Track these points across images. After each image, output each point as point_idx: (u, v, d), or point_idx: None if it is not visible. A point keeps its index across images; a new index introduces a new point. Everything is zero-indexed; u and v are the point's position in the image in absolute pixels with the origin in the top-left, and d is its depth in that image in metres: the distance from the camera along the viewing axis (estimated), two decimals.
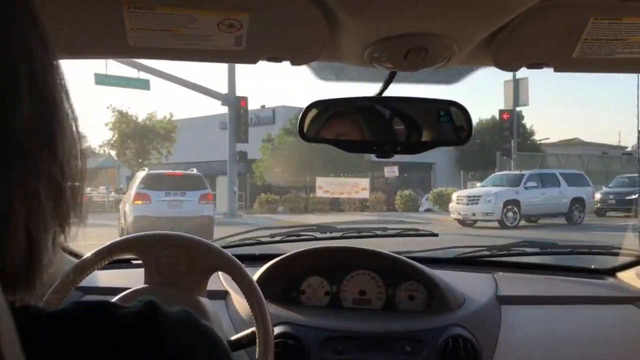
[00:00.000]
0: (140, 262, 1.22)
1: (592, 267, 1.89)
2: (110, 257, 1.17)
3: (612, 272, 1.81)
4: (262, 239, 1.96)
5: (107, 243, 1.19)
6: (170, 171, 14.23)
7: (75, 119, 0.41)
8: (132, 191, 12.64)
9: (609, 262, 1.85)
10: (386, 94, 1.15)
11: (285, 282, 1.62)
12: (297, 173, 21.60)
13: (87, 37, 0.93)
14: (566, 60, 0.95)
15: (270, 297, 1.30)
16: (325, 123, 1.18)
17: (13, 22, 0.37)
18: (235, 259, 1.18)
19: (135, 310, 0.42)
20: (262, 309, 1.15)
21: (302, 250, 1.68)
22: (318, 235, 1.94)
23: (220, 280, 1.61)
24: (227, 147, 17.41)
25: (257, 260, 1.73)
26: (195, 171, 13.85)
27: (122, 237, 1.24)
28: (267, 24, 0.88)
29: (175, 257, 1.18)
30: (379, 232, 1.98)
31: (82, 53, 1.02)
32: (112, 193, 23.26)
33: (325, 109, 1.20)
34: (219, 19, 0.85)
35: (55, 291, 1.07)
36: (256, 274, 1.58)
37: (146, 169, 14.64)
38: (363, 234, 1.95)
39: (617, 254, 1.88)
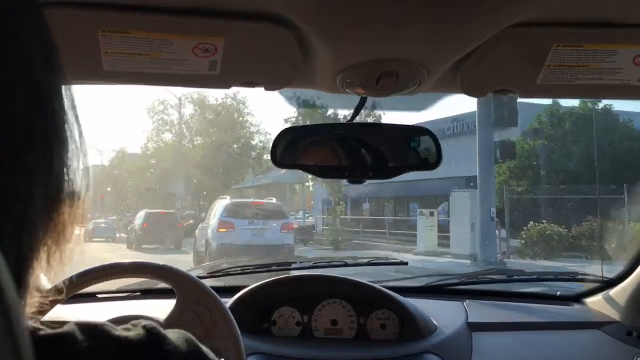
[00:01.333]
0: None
1: (558, 294, 1.93)
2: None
3: (578, 298, 1.85)
4: (231, 271, 1.93)
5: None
6: (254, 200, 14.85)
7: (80, 132, 0.40)
8: (215, 219, 12.79)
9: (576, 288, 1.89)
10: (358, 120, 1.17)
11: (256, 312, 1.60)
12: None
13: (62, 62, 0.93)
14: (531, 86, 0.98)
15: (242, 328, 1.28)
16: (298, 150, 1.19)
17: (17, 31, 0.36)
18: (210, 289, 1.17)
19: (139, 338, 0.40)
20: (237, 340, 1.13)
21: (273, 279, 1.66)
22: (288, 266, 1.93)
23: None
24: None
25: (227, 291, 1.71)
26: (274, 201, 14.26)
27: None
28: (241, 49, 0.89)
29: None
30: (349, 262, 1.98)
31: None
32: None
33: (298, 136, 1.21)
34: (194, 43, 0.86)
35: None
36: (227, 305, 1.55)
37: (228, 197, 14.97)
38: (334, 263, 1.95)
39: (582, 281, 1.92)
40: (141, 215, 19.77)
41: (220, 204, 13.57)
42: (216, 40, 0.85)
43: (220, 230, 12.25)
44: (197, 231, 14.41)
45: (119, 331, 0.40)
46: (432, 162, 1.16)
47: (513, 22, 0.80)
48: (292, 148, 1.19)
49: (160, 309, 1.66)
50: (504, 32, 0.81)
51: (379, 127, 1.19)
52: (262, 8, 0.79)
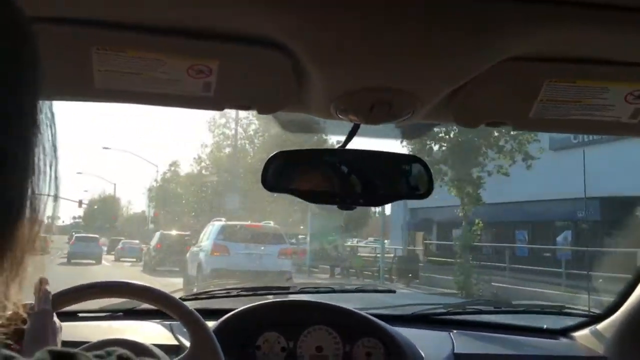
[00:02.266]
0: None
1: (545, 327, 1.92)
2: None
3: (564, 332, 1.84)
4: (217, 294, 1.91)
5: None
6: (249, 223, 13.61)
7: (55, 164, 0.39)
8: (208, 242, 11.97)
9: (562, 321, 1.88)
10: (349, 146, 1.16)
11: (240, 337, 1.57)
12: None
13: (53, 79, 0.92)
14: (523, 120, 0.99)
15: (225, 353, 1.25)
16: (289, 173, 1.18)
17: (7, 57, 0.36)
18: (194, 311, 1.15)
19: None
20: (216, 355, 1.11)
21: (258, 303, 1.64)
22: (274, 290, 1.91)
23: (173, 333, 1.56)
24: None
25: (211, 314, 1.68)
26: (272, 224, 13.36)
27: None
28: (236, 72, 0.89)
29: None
30: (336, 288, 1.96)
31: (47, 94, 1.00)
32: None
33: (289, 160, 1.20)
34: (188, 64, 0.86)
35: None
36: (210, 327, 1.53)
37: (223, 219, 13.95)
38: (320, 289, 1.93)
39: (569, 314, 1.91)
40: (156, 235, 19.46)
41: (215, 226, 12.77)
42: (211, 62, 0.85)
43: (214, 253, 11.49)
44: (187, 254, 13.59)
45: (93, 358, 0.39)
46: (422, 190, 1.16)
47: (506, 57, 0.81)
48: (283, 172, 1.18)
49: (143, 329, 1.64)
50: (497, 65, 0.82)
51: (371, 154, 1.19)
52: (257, 32, 0.79)
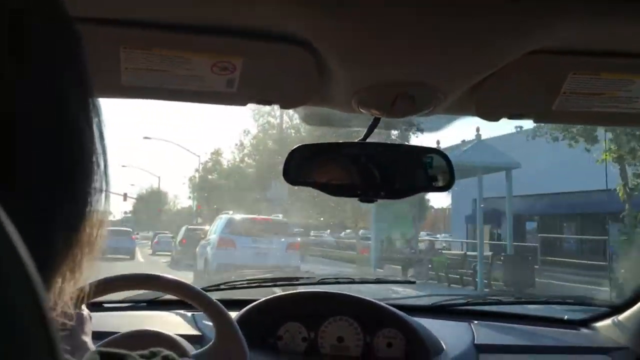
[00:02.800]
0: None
1: (566, 317, 1.91)
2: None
3: (585, 322, 1.84)
4: (238, 284, 1.93)
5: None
6: (257, 216, 13.25)
7: (105, 160, 0.39)
8: (214, 236, 11.73)
9: (583, 312, 1.88)
10: (370, 139, 1.17)
11: (262, 327, 1.59)
12: None
13: None
14: (546, 112, 0.99)
15: (247, 343, 1.28)
16: (310, 167, 1.19)
17: (53, 54, 0.36)
18: (214, 300, 1.17)
19: None
20: (242, 351, 1.13)
21: (279, 295, 1.66)
22: (294, 281, 1.93)
23: (196, 323, 1.58)
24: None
25: (233, 305, 1.71)
26: (281, 217, 13.12)
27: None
28: (259, 68, 0.90)
29: None
30: (356, 279, 1.97)
31: None
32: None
33: (311, 153, 1.21)
34: (213, 61, 0.87)
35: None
36: (234, 317, 1.55)
37: (230, 211, 13.76)
38: (340, 280, 1.95)
39: (590, 305, 1.90)
40: (182, 230, 19.28)
41: (222, 219, 12.56)
42: (235, 59, 0.86)
43: (220, 247, 11.25)
44: (197, 248, 13.33)
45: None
46: (444, 183, 1.16)
47: (530, 49, 0.81)
48: (304, 165, 1.19)
49: (166, 320, 1.67)
50: (521, 58, 0.82)
51: (392, 146, 1.19)
52: (280, 29, 0.80)
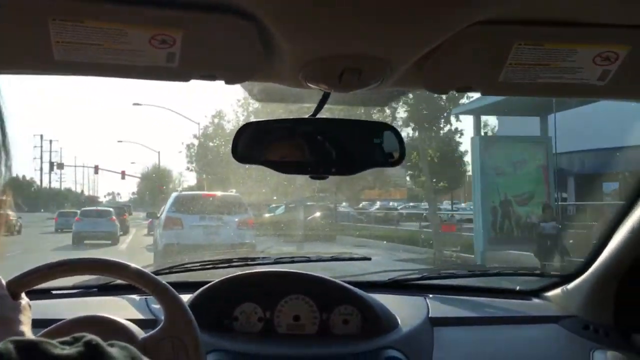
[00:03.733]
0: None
1: (518, 288, 1.95)
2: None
3: (536, 293, 1.88)
4: (192, 267, 1.90)
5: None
6: (206, 192, 12.57)
7: (3, 136, 0.36)
8: (163, 215, 11.00)
9: (534, 283, 1.92)
10: (320, 115, 1.15)
11: (217, 309, 1.57)
12: None
13: (11, 51, 0.88)
14: (492, 84, 0.99)
15: (202, 325, 1.25)
16: (259, 144, 1.17)
17: None
18: (162, 282, 1.14)
19: (78, 356, 0.38)
20: (195, 337, 1.11)
21: (234, 275, 1.64)
22: (250, 261, 1.91)
23: (149, 307, 1.55)
24: None
25: (186, 287, 1.68)
26: (234, 192, 12.33)
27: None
28: (201, 41, 0.87)
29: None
30: (312, 257, 1.96)
31: (5, 68, 0.96)
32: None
33: (259, 130, 1.19)
34: (151, 34, 0.83)
35: None
36: (186, 301, 1.53)
37: (179, 188, 12.98)
38: (296, 259, 1.94)
39: (541, 275, 1.95)
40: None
41: (171, 197, 11.82)
42: (174, 32, 0.82)
43: (166, 227, 10.49)
44: (154, 230, 12.61)
45: (58, 348, 0.38)
46: (395, 158, 1.15)
47: (475, 20, 0.80)
48: (253, 142, 1.17)
49: (118, 305, 1.63)
50: (466, 30, 0.81)
51: (342, 122, 1.18)
52: None
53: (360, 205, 22.60)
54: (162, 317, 1.50)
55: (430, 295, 1.78)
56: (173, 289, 1.14)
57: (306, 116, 1.17)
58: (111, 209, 20.36)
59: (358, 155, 1.17)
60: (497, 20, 0.82)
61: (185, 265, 1.85)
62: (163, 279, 1.23)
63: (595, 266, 1.67)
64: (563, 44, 0.87)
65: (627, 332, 1.62)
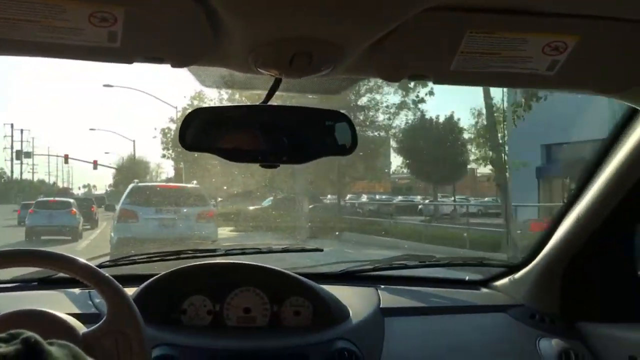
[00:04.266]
0: None
1: (467, 278, 1.98)
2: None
3: (485, 282, 1.91)
4: (138, 259, 1.85)
5: None
6: (163, 184, 11.89)
7: None
8: (118, 207, 10.44)
9: (483, 273, 1.95)
10: (272, 102, 1.13)
11: (164, 302, 1.53)
12: None
13: None
14: (444, 73, 0.98)
15: (148, 319, 1.21)
16: (208, 131, 1.13)
17: None
18: (107, 275, 1.09)
19: (15, 353, 0.35)
20: (140, 331, 1.07)
21: (182, 267, 1.60)
22: (199, 253, 1.86)
23: (92, 302, 1.50)
24: None
25: (132, 280, 1.62)
26: (195, 183, 11.57)
27: None
28: (144, 20, 0.83)
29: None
30: (263, 249, 1.94)
31: None
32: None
33: (208, 117, 1.15)
34: (90, 11, 0.78)
35: None
36: (132, 294, 1.48)
37: (136, 180, 12.07)
38: (247, 250, 1.90)
39: (489, 265, 1.98)
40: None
41: (128, 188, 11.19)
42: (115, 9, 0.78)
43: (121, 219, 10.05)
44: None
45: None
46: (347, 146, 1.14)
47: (427, 6, 0.79)
48: (202, 130, 1.13)
49: (59, 299, 1.56)
50: (419, 16, 0.80)
51: (294, 109, 1.15)
52: None
53: (347, 197, 21.14)
54: (105, 312, 1.45)
55: (382, 286, 1.79)
56: (116, 282, 1.10)
57: (258, 103, 1.14)
58: (71, 200, 17.86)
59: (310, 143, 1.15)
60: (449, 7, 0.81)
61: (131, 258, 1.79)
62: (107, 272, 1.18)
63: (540, 256, 1.71)
64: (514, 32, 0.87)
65: (571, 320, 1.66)
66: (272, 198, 18.51)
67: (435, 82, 1.03)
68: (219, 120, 1.15)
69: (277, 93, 1.09)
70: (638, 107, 1.21)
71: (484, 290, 1.88)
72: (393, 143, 20.17)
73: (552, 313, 1.68)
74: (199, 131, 1.13)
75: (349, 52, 0.90)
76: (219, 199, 16.03)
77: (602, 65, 0.98)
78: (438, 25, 0.86)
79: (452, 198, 22.57)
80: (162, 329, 1.44)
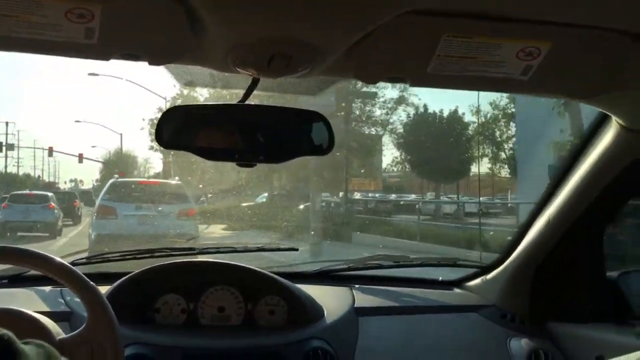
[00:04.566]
0: None
1: (440, 279, 2.01)
2: None
3: (457, 283, 1.94)
4: (111, 257, 1.83)
5: None
6: (144, 180, 11.61)
7: None
8: (97, 202, 10.29)
9: (456, 273, 1.98)
10: (249, 101, 1.13)
11: (137, 300, 1.52)
12: None
13: None
14: (421, 76, 0.99)
15: (122, 317, 1.20)
16: (185, 130, 1.13)
17: None
18: (82, 275, 1.08)
19: None
20: (113, 329, 1.06)
21: (156, 265, 1.59)
22: (173, 252, 1.85)
23: (64, 300, 1.48)
24: None
25: (106, 279, 1.61)
26: (177, 180, 11.29)
27: None
28: (122, 17, 0.82)
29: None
30: (238, 248, 1.93)
31: None
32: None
33: (186, 115, 1.15)
34: (67, 7, 0.78)
35: None
36: (104, 292, 1.46)
37: (116, 175, 11.77)
38: (221, 249, 1.90)
39: (462, 266, 2.01)
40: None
41: (108, 183, 11.04)
42: (92, 6, 0.78)
43: (99, 216, 9.88)
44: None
45: None
46: (324, 146, 1.15)
47: (405, 9, 0.80)
48: (179, 128, 1.13)
49: (30, 297, 1.54)
50: (397, 19, 0.81)
51: (271, 109, 1.15)
52: None
53: (340, 195, 19.91)
54: (79, 310, 1.43)
55: (357, 286, 1.80)
56: (89, 280, 1.08)
57: (235, 102, 1.14)
58: (49, 193, 16.40)
59: (287, 143, 1.16)
60: (426, 11, 0.82)
61: (105, 256, 1.78)
62: (80, 270, 1.17)
63: (512, 258, 1.74)
64: (489, 37, 0.89)
65: (541, 320, 1.69)
66: (266, 194, 17.74)
67: (412, 85, 1.04)
68: (196, 118, 1.14)
69: (255, 92, 1.09)
70: (607, 112, 1.24)
71: (457, 290, 1.91)
72: (391, 139, 19.86)
73: (522, 313, 1.71)
74: (176, 129, 1.13)
75: (328, 54, 0.91)
76: (209, 195, 15.43)
77: (574, 71, 1.00)
78: (415, 29, 0.87)
79: (455, 196, 22.40)
80: (135, 328, 1.43)
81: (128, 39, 0.89)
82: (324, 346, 1.46)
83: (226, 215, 14.13)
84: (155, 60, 0.95)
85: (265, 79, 1.04)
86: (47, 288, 1.58)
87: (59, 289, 1.56)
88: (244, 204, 15.88)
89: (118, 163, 33.26)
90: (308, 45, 0.87)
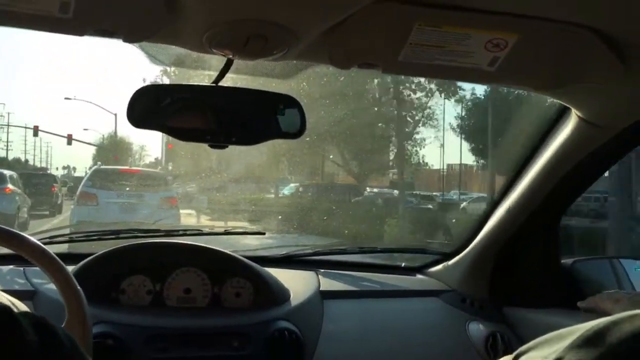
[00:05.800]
0: None
1: (403, 265, 2.06)
2: None
3: (420, 269, 1.99)
4: (75, 237, 1.81)
5: None
6: (126, 167, 11.35)
7: None
8: (79, 189, 10.15)
9: (419, 259, 2.03)
10: (222, 83, 1.13)
11: (103, 281, 1.51)
12: None
13: None
14: (393, 63, 1.02)
15: (87, 297, 1.20)
16: (157, 109, 1.13)
17: None
18: (49, 251, 1.07)
19: None
20: (81, 305, 1.06)
21: (122, 246, 1.58)
22: (139, 233, 1.84)
23: (27, 279, 1.46)
24: None
25: (70, 259, 1.59)
26: (159, 169, 11.27)
27: None
28: None
29: None
30: (205, 230, 1.94)
31: None
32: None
33: (158, 94, 1.15)
34: None
35: None
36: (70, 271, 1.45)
37: (99, 162, 11.68)
38: (188, 232, 1.90)
39: (425, 252, 2.06)
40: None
41: (90, 171, 11.13)
42: None
43: (80, 202, 9.76)
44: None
45: None
46: (295, 130, 1.16)
47: None
48: (151, 107, 1.13)
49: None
50: (371, 6, 0.83)
51: (244, 91, 1.16)
52: None
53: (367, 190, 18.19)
54: (42, 288, 1.42)
55: (322, 270, 1.83)
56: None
57: (208, 83, 1.15)
58: (6, 172, 12.60)
59: (259, 125, 1.17)
60: None
61: (70, 236, 1.76)
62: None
63: (473, 244, 1.79)
64: (459, 27, 0.92)
65: (499, 305, 1.76)
66: (296, 184, 15.73)
67: (384, 72, 1.07)
68: (168, 98, 1.15)
69: (228, 75, 1.10)
70: (569, 105, 1.29)
71: (419, 276, 1.96)
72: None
73: (481, 298, 1.77)
74: (147, 108, 1.12)
75: (303, 38, 0.93)
76: (216, 184, 13.77)
77: (539, 63, 1.04)
78: (390, 16, 0.90)
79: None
80: (100, 308, 1.43)
81: (103, 15, 0.88)
82: (290, 327, 1.48)
83: (252, 209, 12.40)
84: (129, 37, 0.95)
85: (239, 62, 1.05)
86: (10, 266, 1.56)
87: (21, 268, 1.54)
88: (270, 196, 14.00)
89: (112, 148, 30.84)
90: (284, 27, 0.89)
